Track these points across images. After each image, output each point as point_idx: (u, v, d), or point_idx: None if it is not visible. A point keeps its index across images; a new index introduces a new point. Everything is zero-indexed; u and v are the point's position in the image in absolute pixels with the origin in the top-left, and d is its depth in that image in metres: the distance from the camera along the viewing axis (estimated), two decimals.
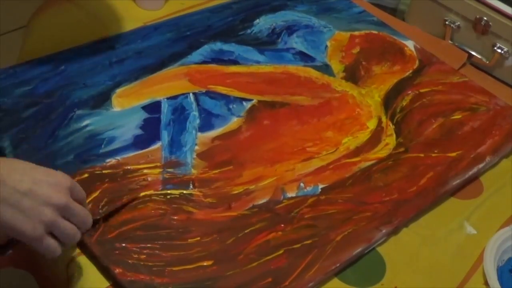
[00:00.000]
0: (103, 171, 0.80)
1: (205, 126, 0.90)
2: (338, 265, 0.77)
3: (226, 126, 0.91)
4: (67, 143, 0.83)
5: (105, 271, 0.72)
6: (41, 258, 0.82)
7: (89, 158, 0.82)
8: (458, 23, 1.15)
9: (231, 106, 0.94)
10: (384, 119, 0.97)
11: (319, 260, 0.76)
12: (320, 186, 0.85)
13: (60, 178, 0.65)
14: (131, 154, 0.83)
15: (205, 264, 0.73)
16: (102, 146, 0.84)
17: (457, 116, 1.00)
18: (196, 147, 0.87)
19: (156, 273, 0.71)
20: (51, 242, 0.64)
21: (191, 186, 0.81)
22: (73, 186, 0.66)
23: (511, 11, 1.09)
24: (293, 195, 0.83)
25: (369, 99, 1.00)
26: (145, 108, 0.90)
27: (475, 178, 0.93)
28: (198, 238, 0.76)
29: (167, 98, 0.92)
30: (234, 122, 0.92)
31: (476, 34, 1.13)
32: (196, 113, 0.91)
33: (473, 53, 1.14)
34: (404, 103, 1.01)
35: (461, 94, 1.05)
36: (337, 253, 0.77)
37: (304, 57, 1.06)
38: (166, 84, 0.95)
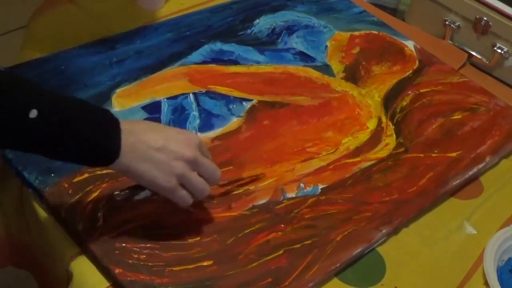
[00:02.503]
0: (103, 171, 0.80)
1: (205, 126, 0.90)
2: (338, 265, 0.77)
3: (226, 126, 0.91)
4: None
5: (105, 271, 0.72)
6: (41, 257, 0.82)
7: None
8: (458, 23, 1.15)
9: (231, 106, 0.94)
10: (384, 119, 0.97)
11: (319, 260, 0.76)
12: (320, 186, 0.85)
13: (190, 136, 0.72)
14: None
15: (205, 264, 0.73)
16: None
17: (457, 116, 1.00)
18: None
19: (156, 273, 0.71)
20: (183, 193, 0.71)
21: None
22: (201, 144, 0.73)
23: (511, 11, 1.09)
24: (293, 195, 0.83)
25: (369, 99, 1.00)
26: (145, 108, 0.90)
27: (475, 178, 0.93)
28: (198, 238, 0.76)
29: (167, 98, 0.92)
30: (234, 122, 0.92)
31: (476, 34, 1.13)
32: (196, 113, 0.91)
33: (473, 53, 1.14)
34: (404, 103, 1.01)
35: (461, 94, 1.05)
36: (337, 253, 0.77)
37: (304, 57, 1.06)
38: (166, 84, 0.95)
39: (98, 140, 0.65)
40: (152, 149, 0.68)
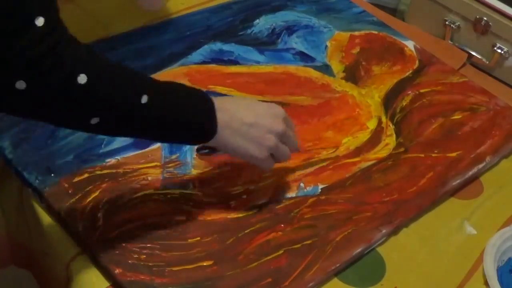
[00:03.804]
0: (103, 171, 0.80)
1: None
2: (338, 265, 0.77)
3: None
4: (67, 143, 0.83)
5: (105, 271, 0.72)
6: (41, 257, 0.82)
7: (89, 158, 0.82)
8: (458, 23, 1.15)
9: None
10: (384, 119, 0.97)
11: (319, 260, 0.76)
12: (320, 186, 0.85)
13: (278, 110, 0.77)
14: (131, 154, 0.83)
15: (205, 264, 0.73)
16: (102, 146, 0.84)
17: (457, 116, 1.00)
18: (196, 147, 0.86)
19: (156, 273, 0.71)
20: (271, 161, 0.78)
21: (191, 186, 0.81)
22: (286, 117, 0.78)
23: (511, 11, 1.09)
24: (293, 195, 0.83)
25: (369, 99, 1.00)
26: None
27: (475, 178, 0.93)
28: (198, 238, 0.76)
29: None
30: None
31: (476, 34, 1.13)
32: None
33: (473, 53, 1.14)
34: (404, 103, 1.01)
35: (461, 94, 1.05)
36: (337, 253, 0.77)
37: (304, 57, 1.06)
38: None
39: (198, 120, 0.70)
40: (246, 125, 0.73)
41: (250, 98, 0.79)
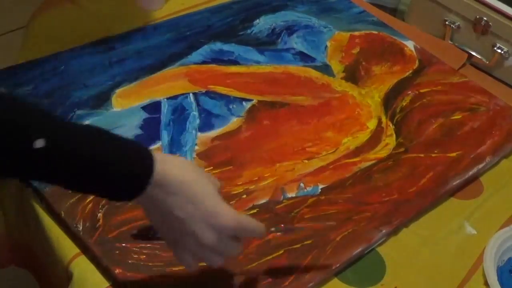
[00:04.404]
0: None
1: (205, 126, 0.90)
2: (338, 265, 0.77)
3: (226, 126, 0.91)
4: None
5: (105, 271, 0.72)
6: (41, 257, 0.82)
7: None
8: (458, 23, 1.15)
9: (231, 106, 0.94)
10: (384, 119, 0.97)
11: (319, 260, 0.76)
12: (320, 186, 0.85)
13: (224, 224, 0.62)
14: None
15: (204, 264, 0.73)
16: None
17: (457, 116, 1.00)
18: (196, 147, 0.87)
19: (156, 273, 0.71)
20: (195, 266, 0.66)
21: None
22: (237, 230, 0.63)
23: (511, 11, 1.09)
24: (293, 195, 0.83)
25: (369, 99, 1.00)
26: (145, 108, 0.90)
27: (475, 178, 0.93)
28: None
29: (167, 98, 0.93)
30: (234, 122, 0.92)
31: (476, 34, 1.13)
32: (196, 113, 0.91)
33: (473, 53, 1.14)
34: (404, 103, 1.01)
35: (461, 94, 1.05)
36: (337, 253, 0.77)
37: (304, 57, 1.06)
38: (166, 84, 0.95)
39: (121, 172, 0.59)
40: (177, 220, 0.62)
41: (205, 182, 0.63)
